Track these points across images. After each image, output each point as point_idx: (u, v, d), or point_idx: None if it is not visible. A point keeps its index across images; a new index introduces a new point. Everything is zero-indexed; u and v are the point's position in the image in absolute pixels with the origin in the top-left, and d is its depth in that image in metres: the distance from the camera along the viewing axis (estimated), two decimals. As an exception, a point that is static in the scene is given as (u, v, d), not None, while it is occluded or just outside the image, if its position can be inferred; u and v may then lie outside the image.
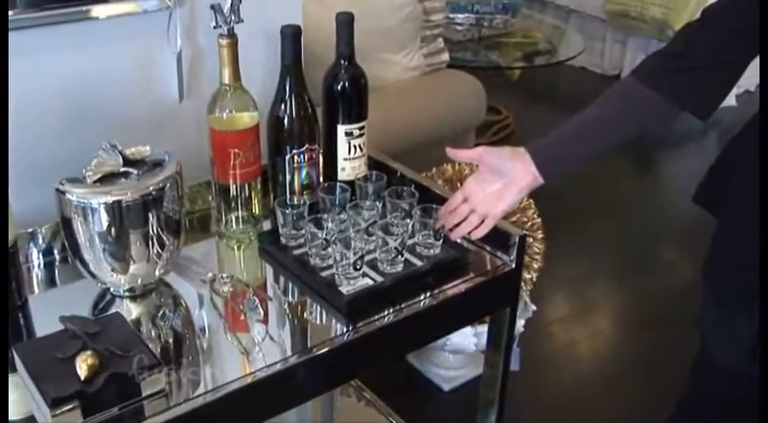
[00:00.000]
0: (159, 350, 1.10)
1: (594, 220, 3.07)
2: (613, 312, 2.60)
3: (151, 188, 1.13)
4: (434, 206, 1.30)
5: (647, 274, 2.75)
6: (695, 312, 1.41)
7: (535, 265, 1.95)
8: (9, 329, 1.09)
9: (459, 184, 1.85)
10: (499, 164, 1.23)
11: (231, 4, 1.28)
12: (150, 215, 1.14)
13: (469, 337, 1.95)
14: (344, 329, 1.15)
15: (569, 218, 2.96)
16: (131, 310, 1.20)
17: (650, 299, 2.61)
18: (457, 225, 1.28)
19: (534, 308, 2.05)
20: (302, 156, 1.35)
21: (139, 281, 1.20)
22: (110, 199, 1.11)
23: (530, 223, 1.92)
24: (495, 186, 1.24)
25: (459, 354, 2.09)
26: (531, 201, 1.94)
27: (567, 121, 1.22)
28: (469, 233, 1.28)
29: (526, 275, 1.93)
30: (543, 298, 2.44)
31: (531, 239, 1.92)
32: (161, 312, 1.20)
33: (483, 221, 1.26)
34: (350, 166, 1.42)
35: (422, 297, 1.22)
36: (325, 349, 1.11)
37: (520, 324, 2.00)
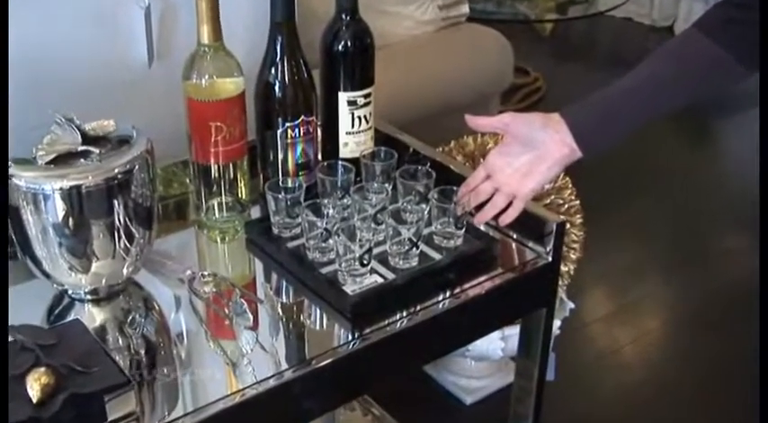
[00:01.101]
0: (128, 364, 1.10)
1: (640, 201, 3.06)
2: (664, 310, 2.59)
3: (116, 170, 1.12)
4: (455, 188, 1.29)
5: (703, 265, 2.75)
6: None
7: (573, 256, 1.95)
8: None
9: (482, 160, 1.83)
10: (528, 134, 1.22)
11: (210, -52, 1.27)
12: (116, 202, 1.13)
13: (496, 342, 1.95)
14: (349, 337, 1.15)
15: (610, 199, 2.96)
16: (94, 317, 1.20)
17: (707, 294, 2.60)
18: (480, 207, 1.28)
19: (572, 306, 2.05)
20: (297, 129, 1.35)
21: (103, 281, 1.19)
22: (66, 184, 1.10)
23: (566, 206, 1.91)
24: (523, 161, 1.24)
25: (484, 361, 2.09)
26: (567, 179, 1.94)
27: (610, 82, 1.20)
28: (495, 218, 1.26)
29: (563, 268, 1.92)
30: (582, 294, 2.44)
31: (569, 225, 1.91)
32: (130, 318, 1.20)
33: (511, 204, 1.26)
34: (354, 141, 1.41)
35: (441, 297, 1.22)
36: (327, 361, 1.10)
37: (555, 325, 1.99)
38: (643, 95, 1.18)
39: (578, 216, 1.94)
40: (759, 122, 1.18)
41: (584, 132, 1.19)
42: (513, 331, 1.86)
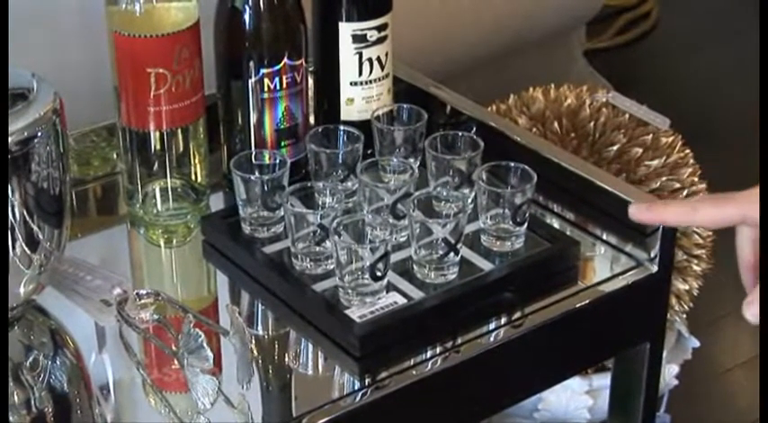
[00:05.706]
0: (29, 429, 1.11)
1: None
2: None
3: (9, 141, 1.11)
4: (513, 164, 1.29)
5: None
6: None
7: (697, 268, 1.94)
8: None
9: (556, 123, 1.84)
10: None
11: None
12: (9, 189, 1.12)
13: (580, 398, 1.95)
14: (356, 384, 1.16)
15: (748, 180, 2.92)
16: (-22, 358, 1.20)
17: None
18: None
19: (697, 343, 2.05)
20: (277, 79, 1.36)
21: (-9, 305, 1.21)
22: (-66, 161, 1.10)
23: (686, 192, 1.90)
24: None
25: (562, 426, 2.08)
26: (688, 151, 1.93)
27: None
28: None
29: (680, 286, 1.92)
30: (713, 326, 2.43)
31: (690, 221, 1.90)
32: (30, 361, 1.21)
33: None
34: (362, 95, 1.43)
35: (493, 326, 1.23)
36: (324, 420, 1.10)
37: (671, 373, 2.00)
38: None
39: (704, 207, 1.93)
40: (759, 123, 1.18)
41: None
42: (606, 380, 1.86)
